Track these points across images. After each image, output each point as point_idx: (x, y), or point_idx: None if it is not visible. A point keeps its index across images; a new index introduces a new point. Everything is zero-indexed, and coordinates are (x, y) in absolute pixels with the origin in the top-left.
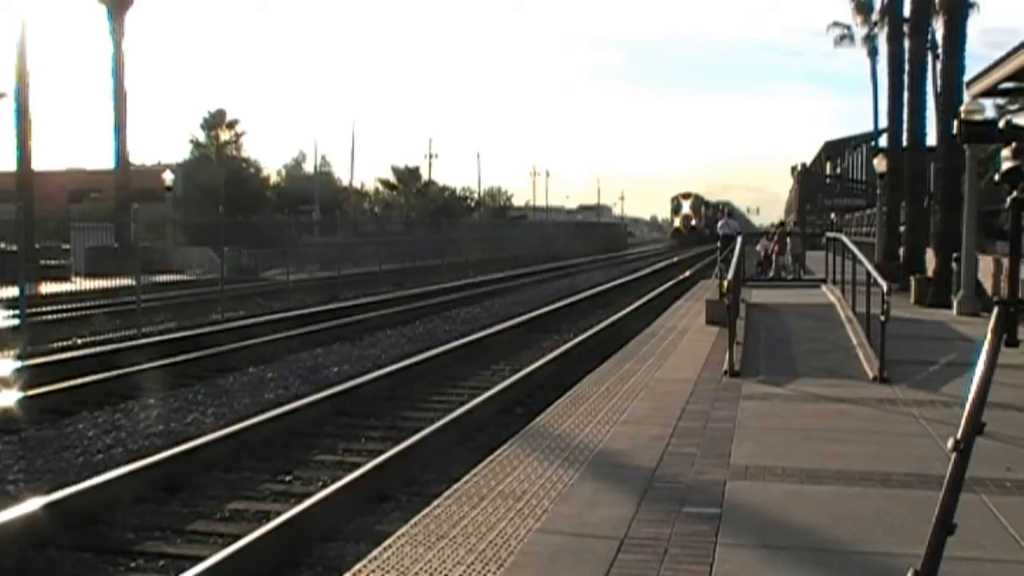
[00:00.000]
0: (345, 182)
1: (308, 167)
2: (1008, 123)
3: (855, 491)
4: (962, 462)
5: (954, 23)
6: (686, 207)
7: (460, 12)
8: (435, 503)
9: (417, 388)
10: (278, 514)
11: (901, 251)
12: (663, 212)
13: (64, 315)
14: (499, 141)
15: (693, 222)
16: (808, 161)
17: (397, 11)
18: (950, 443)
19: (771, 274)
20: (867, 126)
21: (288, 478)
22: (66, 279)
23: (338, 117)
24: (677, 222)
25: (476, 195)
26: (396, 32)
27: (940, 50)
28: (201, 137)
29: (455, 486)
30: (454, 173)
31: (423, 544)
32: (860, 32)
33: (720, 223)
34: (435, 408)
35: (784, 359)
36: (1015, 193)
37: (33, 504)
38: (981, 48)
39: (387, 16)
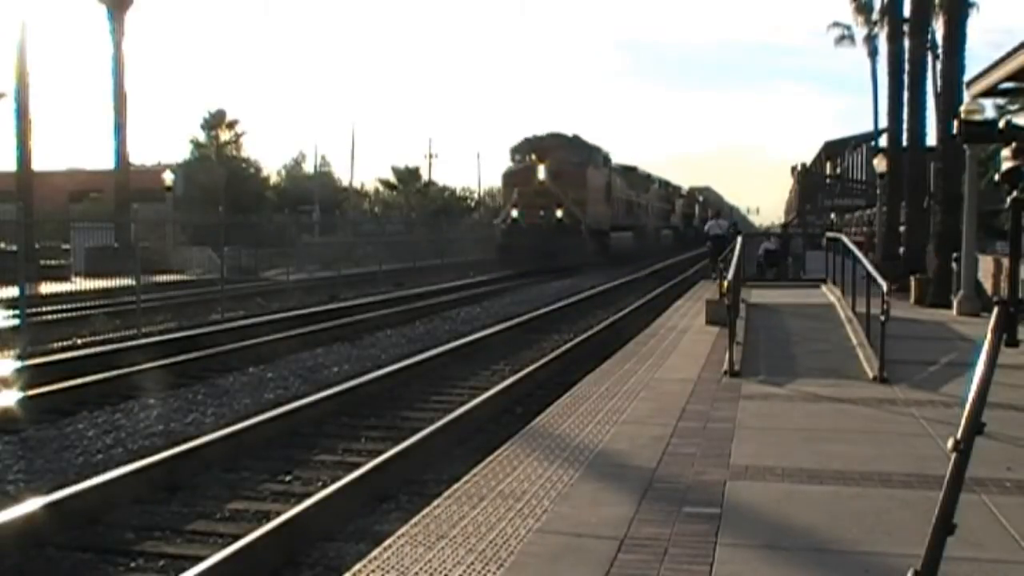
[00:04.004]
0: (345, 182)
1: (308, 167)
2: (1008, 123)
3: (855, 491)
4: (962, 462)
5: (954, 23)
6: (542, 173)
7: (460, 12)
8: (435, 503)
9: (417, 388)
10: (278, 514)
11: (901, 251)
12: None
13: (64, 315)
14: (499, 141)
15: (559, 213)
16: (808, 161)
17: (397, 12)
18: (950, 443)
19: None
20: (867, 126)
21: (288, 478)
22: (66, 279)
23: (338, 117)
24: (514, 212)
25: (476, 195)
26: (396, 33)
27: (940, 50)
28: (201, 137)
29: (455, 486)
30: (454, 173)
31: (423, 544)
32: (860, 32)
33: (708, 223)
34: (435, 408)
35: (784, 359)
36: (1015, 193)
37: (33, 504)
38: (982, 48)
39: (387, 17)
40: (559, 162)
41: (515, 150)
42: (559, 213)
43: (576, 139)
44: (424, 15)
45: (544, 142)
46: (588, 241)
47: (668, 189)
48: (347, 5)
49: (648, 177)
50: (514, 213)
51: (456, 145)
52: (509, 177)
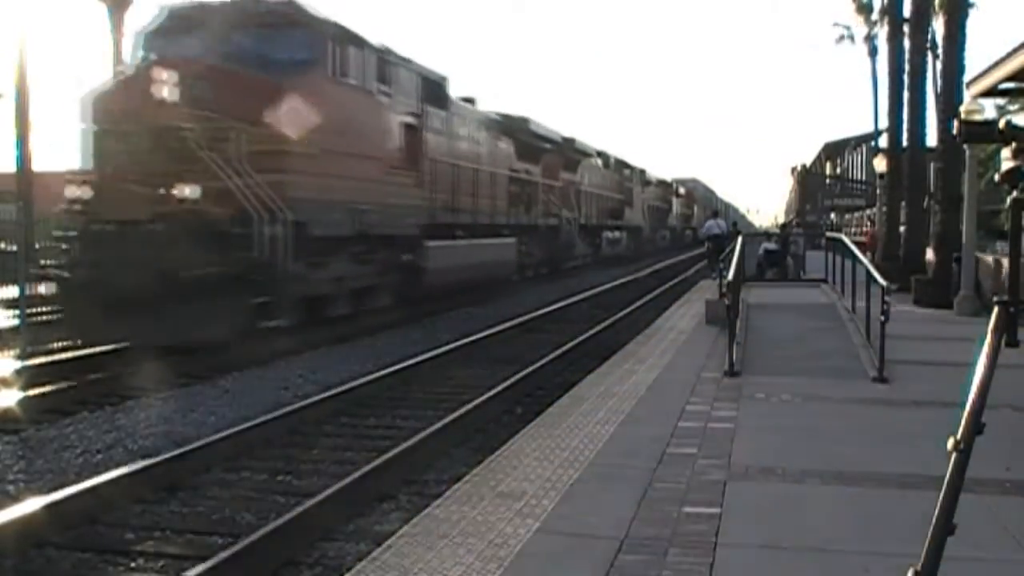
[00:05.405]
0: None
1: None
2: (1008, 123)
3: (855, 491)
4: (962, 462)
5: (954, 23)
6: (169, 89)
7: (460, 11)
8: (435, 503)
9: (417, 388)
10: (278, 514)
11: (901, 251)
12: None
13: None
14: None
15: (186, 191)
16: (808, 161)
17: (396, 11)
18: (950, 443)
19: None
20: (867, 126)
21: (288, 478)
22: None
23: None
24: (78, 191)
25: None
26: (396, 31)
27: (940, 50)
28: None
29: (455, 486)
30: None
31: (423, 544)
32: (860, 32)
33: (707, 223)
34: (435, 408)
35: (784, 359)
36: (1015, 193)
37: (33, 504)
38: (998, 48)
39: (387, 16)
40: (219, 61)
41: (149, 40)
42: (187, 191)
43: (290, 4)
44: (423, 14)
45: (206, 13)
46: (283, 267)
47: (624, 172)
48: (347, 5)
49: (571, 144)
50: (80, 192)
51: None
52: (96, 108)
